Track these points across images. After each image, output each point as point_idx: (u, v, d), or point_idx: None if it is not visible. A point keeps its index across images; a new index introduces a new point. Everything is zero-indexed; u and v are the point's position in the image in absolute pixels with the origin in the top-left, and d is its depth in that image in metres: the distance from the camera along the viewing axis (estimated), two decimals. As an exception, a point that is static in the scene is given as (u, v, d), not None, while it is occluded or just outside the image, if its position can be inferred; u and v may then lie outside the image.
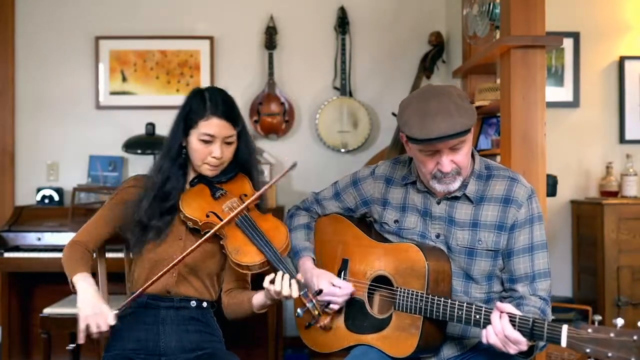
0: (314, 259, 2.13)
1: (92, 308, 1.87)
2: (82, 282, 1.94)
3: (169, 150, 2.09)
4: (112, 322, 1.87)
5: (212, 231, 1.97)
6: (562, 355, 3.20)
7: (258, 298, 2.01)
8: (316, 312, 1.87)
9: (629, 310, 3.64)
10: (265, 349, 3.65)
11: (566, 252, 4.08)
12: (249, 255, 1.95)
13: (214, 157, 2.04)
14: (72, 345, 1.98)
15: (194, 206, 2.05)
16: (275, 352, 3.64)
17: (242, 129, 2.10)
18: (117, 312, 1.91)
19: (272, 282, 1.87)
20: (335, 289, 2.00)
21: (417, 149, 1.88)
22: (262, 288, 1.95)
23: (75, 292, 1.95)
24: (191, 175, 2.13)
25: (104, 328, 1.86)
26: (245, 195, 2.10)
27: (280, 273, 1.88)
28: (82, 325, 1.86)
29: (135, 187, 2.13)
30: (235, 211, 2.00)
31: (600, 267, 3.73)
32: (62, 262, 2.05)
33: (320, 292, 1.95)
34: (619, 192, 3.94)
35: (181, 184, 2.10)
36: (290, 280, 1.86)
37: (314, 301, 1.87)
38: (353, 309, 2.04)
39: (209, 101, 2.03)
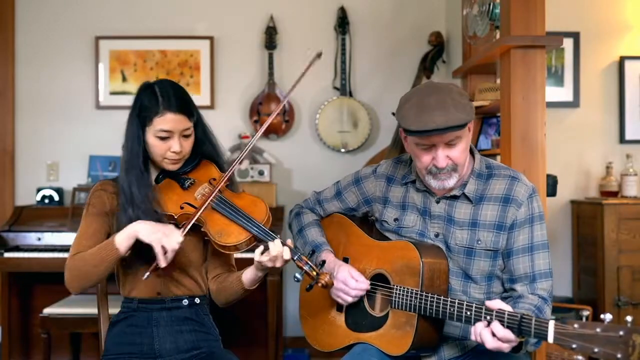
0: (332, 251, 2.12)
1: (161, 231, 1.86)
2: (131, 225, 1.88)
3: (133, 151, 1.98)
4: (181, 238, 1.87)
5: (192, 220, 1.93)
6: (562, 355, 3.20)
7: (248, 273, 1.97)
8: (314, 273, 1.85)
9: (629, 310, 3.64)
10: (265, 349, 3.65)
11: (566, 252, 4.08)
12: (232, 235, 1.92)
13: (173, 152, 1.97)
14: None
15: (165, 201, 1.99)
16: (275, 352, 3.64)
17: (198, 119, 2.05)
18: (182, 230, 1.91)
19: (263, 253, 1.87)
20: (351, 280, 1.97)
21: (413, 142, 1.89)
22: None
23: (124, 255, 1.90)
24: (154, 172, 2.06)
25: (177, 247, 1.86)
26: (214, 179, 2.05)
27: (270, 242, 1.86)
28: (158, 248, 1.84)
29: (105, 192, 2.04)
30: (213, 194, 1.95)
31: (600, 267, 3.73)
32: (80, 269, 1.92)
33: (313, 252, 1.93)
34: (619, 192, 3.94)
35: (148, 183, 2.01)
36: (282, 245, 1.86)
37: (309, 263, 1.86)
38: (353, 308, 2.04)
39: (160, 96, 1.97)
